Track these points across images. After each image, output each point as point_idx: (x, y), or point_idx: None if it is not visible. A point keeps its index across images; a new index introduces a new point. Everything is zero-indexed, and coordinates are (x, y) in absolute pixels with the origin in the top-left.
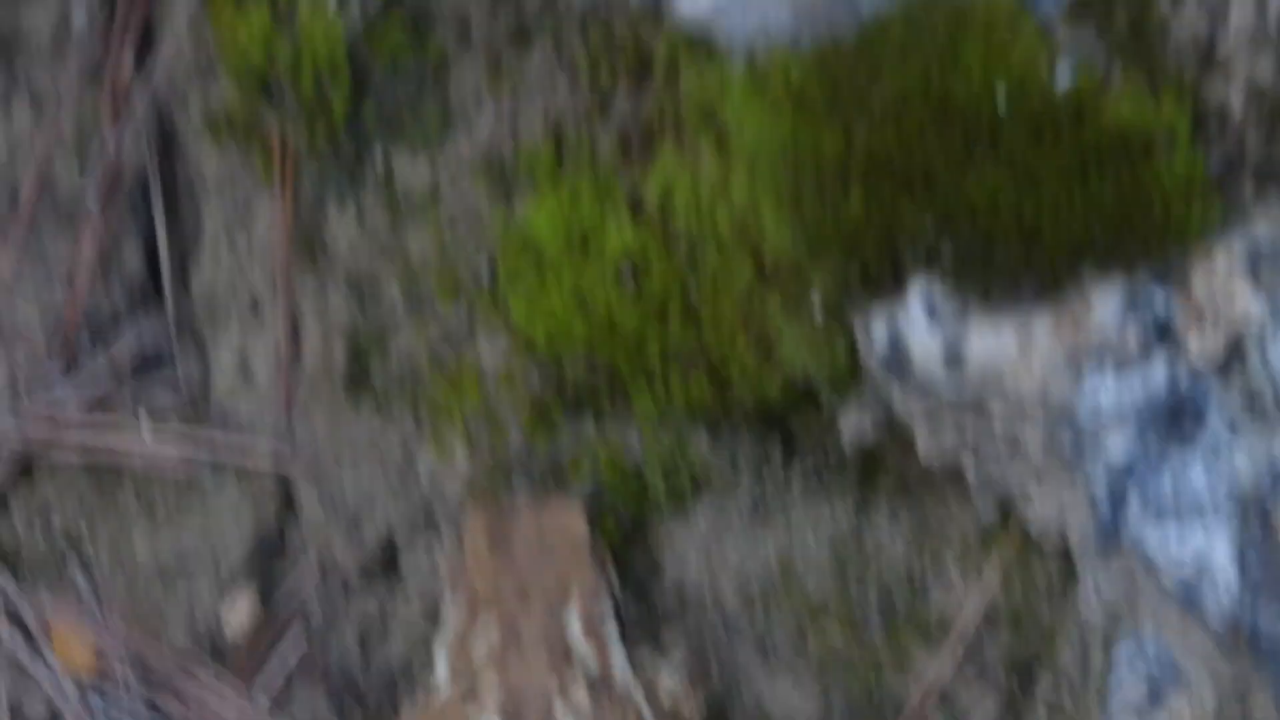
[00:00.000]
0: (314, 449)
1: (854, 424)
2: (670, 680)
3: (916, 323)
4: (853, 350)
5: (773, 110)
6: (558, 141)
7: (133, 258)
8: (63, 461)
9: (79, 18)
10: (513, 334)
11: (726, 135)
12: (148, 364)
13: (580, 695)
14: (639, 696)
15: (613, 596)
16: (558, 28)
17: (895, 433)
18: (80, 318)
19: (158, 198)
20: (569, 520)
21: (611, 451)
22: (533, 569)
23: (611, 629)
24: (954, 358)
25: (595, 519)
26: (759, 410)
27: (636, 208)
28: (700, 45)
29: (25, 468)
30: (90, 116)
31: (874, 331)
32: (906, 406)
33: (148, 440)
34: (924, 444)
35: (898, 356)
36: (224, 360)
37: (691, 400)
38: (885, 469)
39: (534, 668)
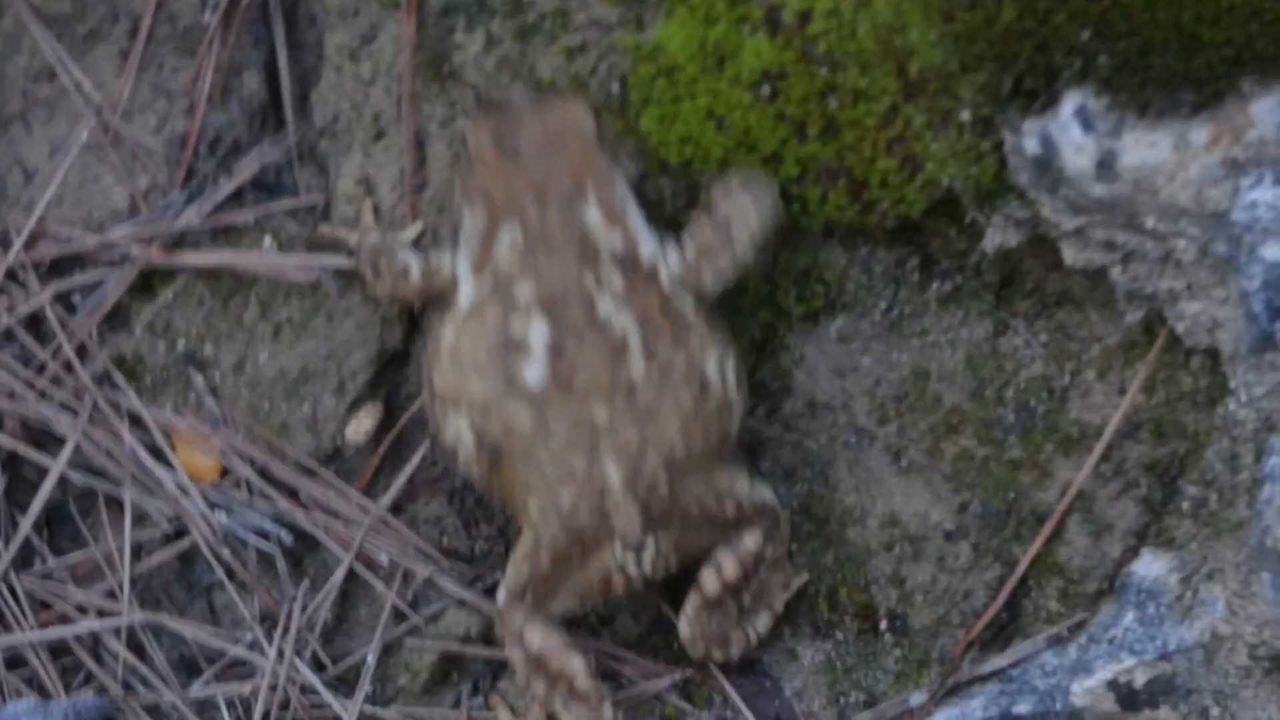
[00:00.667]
0: None
1: (998, 237)
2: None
3: (1070, 135)
4: (1001, 162)
5: None
6: None
7: (253, 80)
8: (185, 277)
9: None
10: (646, 152)
11: None
12: (269, 187)
13: (612, 276)
14: (664, 271)
15: (629, 180)
16: None
17: (1036, 247)
18: (201, 140)
19: (278, 19)
20: (575, 115)
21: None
22: (544, 168)
23: (632, 210)
24: (1107, 169)
25: (599, 112)
26: (898, 225)
27: (774, 24)
28: None
29: (147, 282)
30: None
31: (1025, 144)
32: (1055, 219)
33: (271, 254)
34: (1070, 256)
35: (1049, 169)
36: (346, 183)
37: (829, 215)
38: (1024, 283)
39: (562, 259)
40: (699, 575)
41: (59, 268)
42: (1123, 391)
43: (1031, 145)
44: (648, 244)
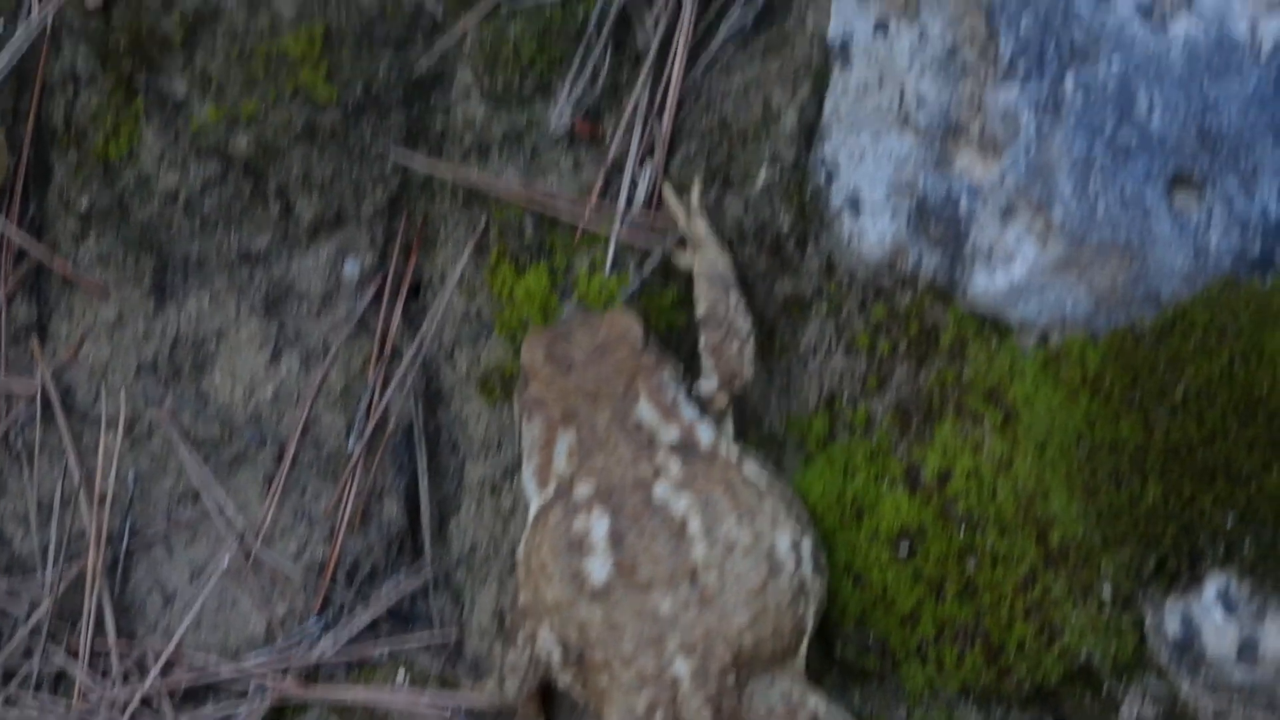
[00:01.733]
0: None
1: (1135, 709)
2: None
3: (1212, 616)
4: (1140, 638)
5: (1067, 395)
6: (831, 410)
7: (393, 507)
8: (316, 710)
9: (350, 269)
10: None
11: (1013, 415)
12: (404, 616)
13: (670, 463)
14: (729, 450)
15: (676, 373)
16: (836, 297)
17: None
18: (339, 567)
19: (421, 450)
20: (622, 324)
21: None
22: (595, 374)
23: (683, 402)
24: (1250, 652)
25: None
26: (1034, 690)
27: (913, 481)
28: (992, 324)
29: (279, 715)
30: (357, 368)
31: (1166, 622)
32: (1195, 697)
33: (403, 691)
34: None
35: (1190, 648)
36: (481, 615)
37: (965, 678)
38: None
39: (618, 455)
40: None
41: (193, 695)
42: None
43: (1173, 625)
44: (705, 430)
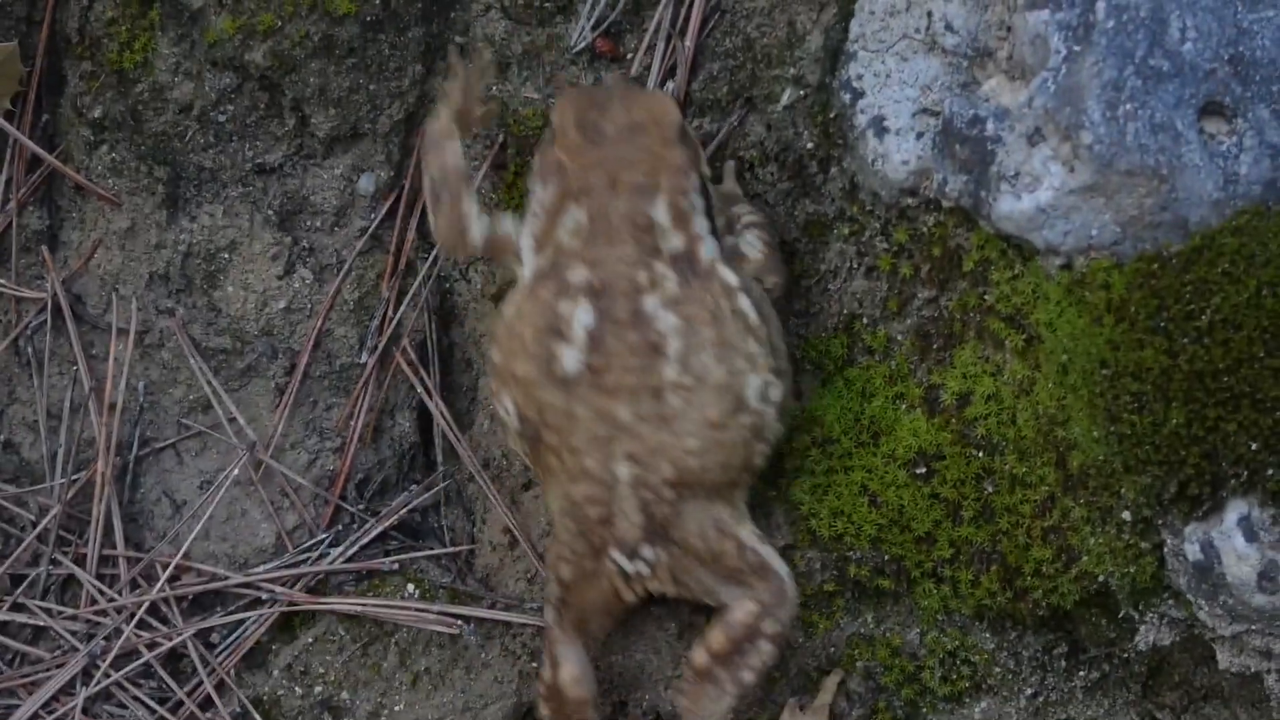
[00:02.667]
0: None
1: (1151, 634)
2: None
3: (1232, 542)
4: (1159, 563)
5: (1091, 320)
6: (850, 333)
7: (405, 422)
8: (326, 620)
9: (365, 184)
10: (795, 522)
11: (1035, 340)
12: (415, 530)
13: (665, 274)
14: (727, 275)
15: (703, 185)
16: (858, 219)
17: (1190, 644)
18: (349, 480)
19: (434, 365)
20: (662, 108)
21: (891, 645)
22: (622, 157)
23: (699, 218)
24: (1269, 580)
25: (685, 108)
26: (1050, 614)
27: (931, 404)
28: (1016, 248)
29: (288, 623)
30: (371, 283)
31: (1186, 548)
32: (1212, 623)
33: (413, 603)
34: (1225, 660)
35: (1209, 575)
36: (493, 530)
37: (980, 600)
38: (1172, 676)
39: (619, 250)
40: (691, 646)
41: (201, 603)
42: None
43: (1192, 551)
44: (708, 246)
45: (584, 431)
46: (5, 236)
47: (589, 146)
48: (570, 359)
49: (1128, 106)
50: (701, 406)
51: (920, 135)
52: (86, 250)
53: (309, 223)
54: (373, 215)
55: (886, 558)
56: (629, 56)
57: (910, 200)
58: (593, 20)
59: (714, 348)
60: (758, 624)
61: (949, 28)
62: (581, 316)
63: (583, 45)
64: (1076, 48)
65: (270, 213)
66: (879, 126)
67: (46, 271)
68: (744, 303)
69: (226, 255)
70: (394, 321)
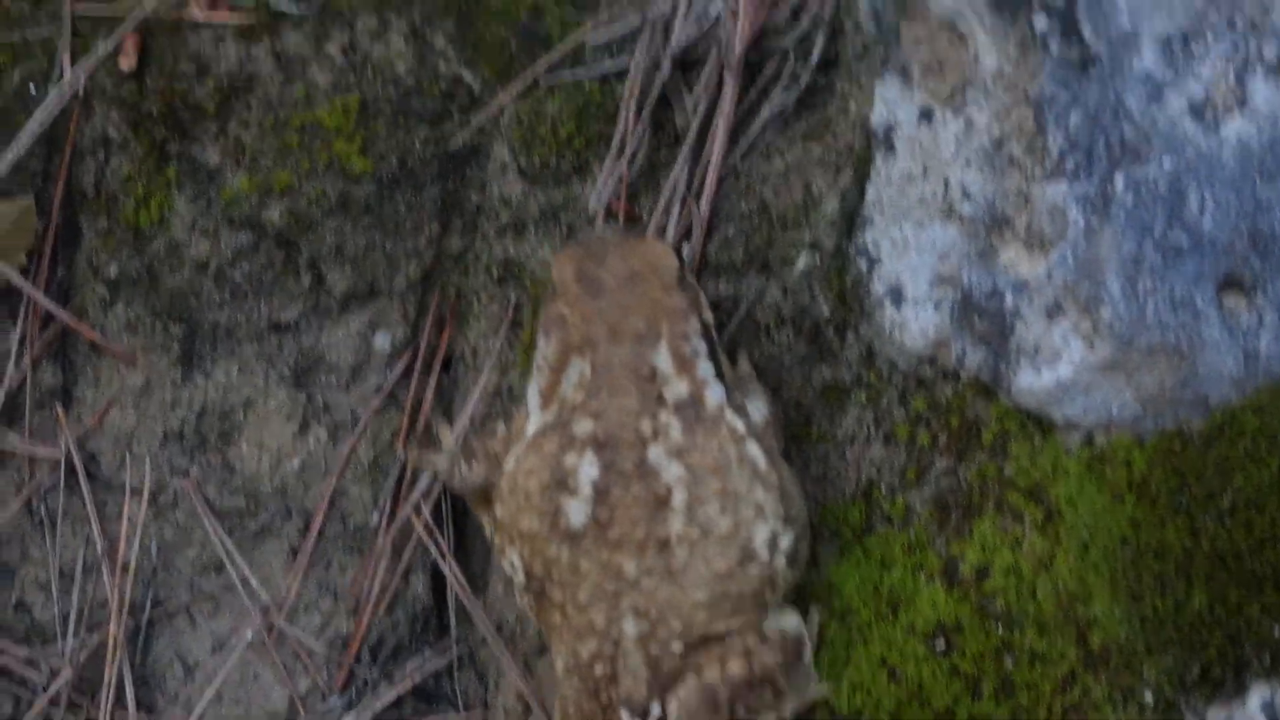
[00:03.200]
0: None
1: None
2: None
3: None
4: None
5: (1112, 497)
6: (869, 500)
7: (419, 585)
8: None
9: (381, 342)
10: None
11: (1056, 514)
12: (428, 694)
13: (670, 423)
14: (734, 421)
15: (705, 330)
16: (876, 386)
17: None
18: (363, 643)
19: (449, 528)
20: (659, 255)
21: None
22: (623, 306)
23: (704, 363)
24: None
25: (701, 271)
26: None
27: (950, 576)
28: (1035, 421)
29: None
30: (385, 442)
31: None
32: None
33: None
34: None
35: None
36: (507, 695)
37: None
38: None
39: (623, 399)
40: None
41: None
42: None
43: None
44: (714, 392)
45: (590, 587)
46: (19, 393)
47: (589, 298)
48: (576, 512)
49: (1147, 282)
50: (708, 559)
51: (938, 305)
52: (100, 408)
53: (324, 380)
54: (389, 373)
55: None
56: (645, 218)
57: (928, 369)
58: (610, 182)
59: (720, 498)
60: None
61: (966, 195)
62: (587, 469)
63: (600, 208)
64: (1095, 221)
65: (285, 370)
66: (896, 295)
67: (60, 429)
68: (752, 450)
69: (241, 413)
70: (409, 482)
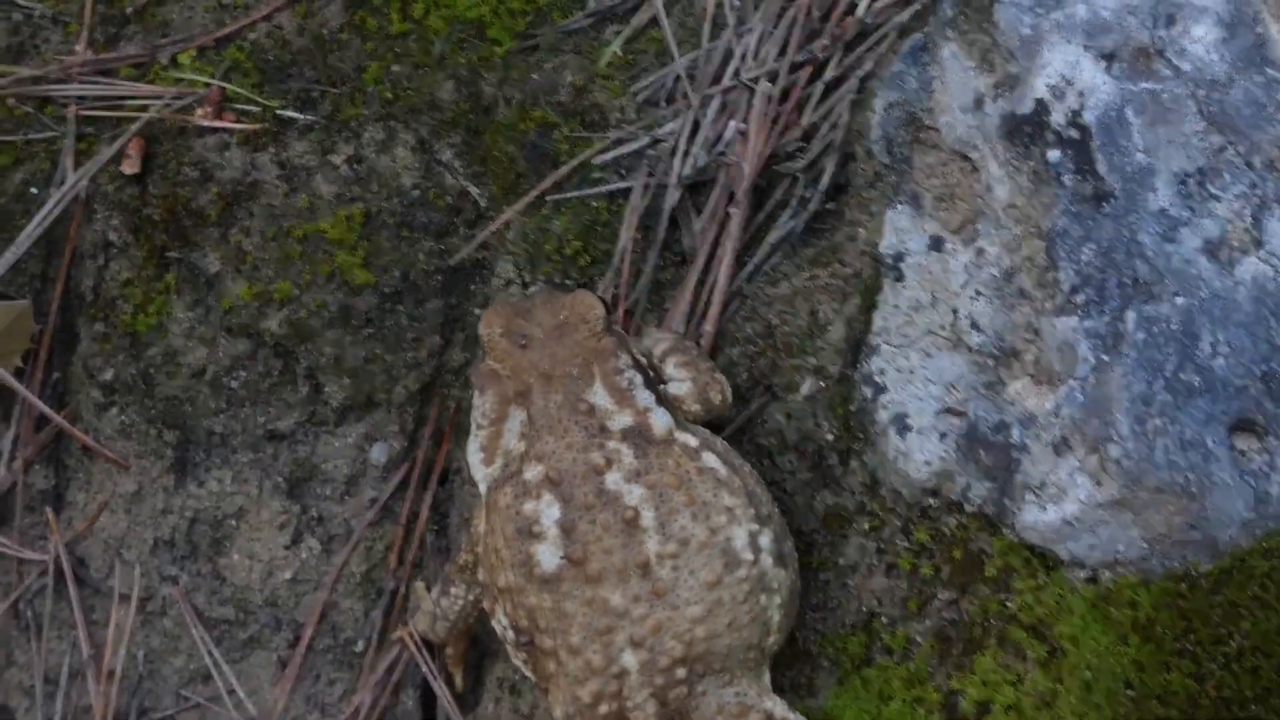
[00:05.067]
0: None
1: None
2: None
3: None
4: None
5: (1117, 637)
6: (869, 631)
7: (409, 701)
8: None
9: (377, 454)
10: None
11: (1059, 652)
12: None
13: (620, 449)
14: (685, 439)
15: (637, 363)
16: (879, 515)
17: None
18: None
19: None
20: (586, 305)
21: None
22: (552, 355)
23: (641, 392)
24: None
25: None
26: None
27: (951, 712)
28: (1040, 557)
29: None
30: (379, 555)
31: None
32: None
33: None
34: None
35: None
36: None
37: None
38: None
39: (566, 439)
40: None
41: None
42: None
43: None
44: (659, 417)
45: (580, 628)
46: (10, 495)
47: (519, 351)
48: (547, 557)
49: (1157, 421)
50: (694, 570)
51: (944, 436)
52: (91, 512)
53: (319, 491)
54: (384, 486)
55: None
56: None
57: (932, 500)
58: (613, 300)
59: (689, 508)
60: None
61: (975, 326)
62: (547, 511)
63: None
64: (1105, 358)
65: (280, 480)
66: (901, 424)
67: (50, 533)
68: (709, 460)
69: (234, 522)
70: (402, 596)
